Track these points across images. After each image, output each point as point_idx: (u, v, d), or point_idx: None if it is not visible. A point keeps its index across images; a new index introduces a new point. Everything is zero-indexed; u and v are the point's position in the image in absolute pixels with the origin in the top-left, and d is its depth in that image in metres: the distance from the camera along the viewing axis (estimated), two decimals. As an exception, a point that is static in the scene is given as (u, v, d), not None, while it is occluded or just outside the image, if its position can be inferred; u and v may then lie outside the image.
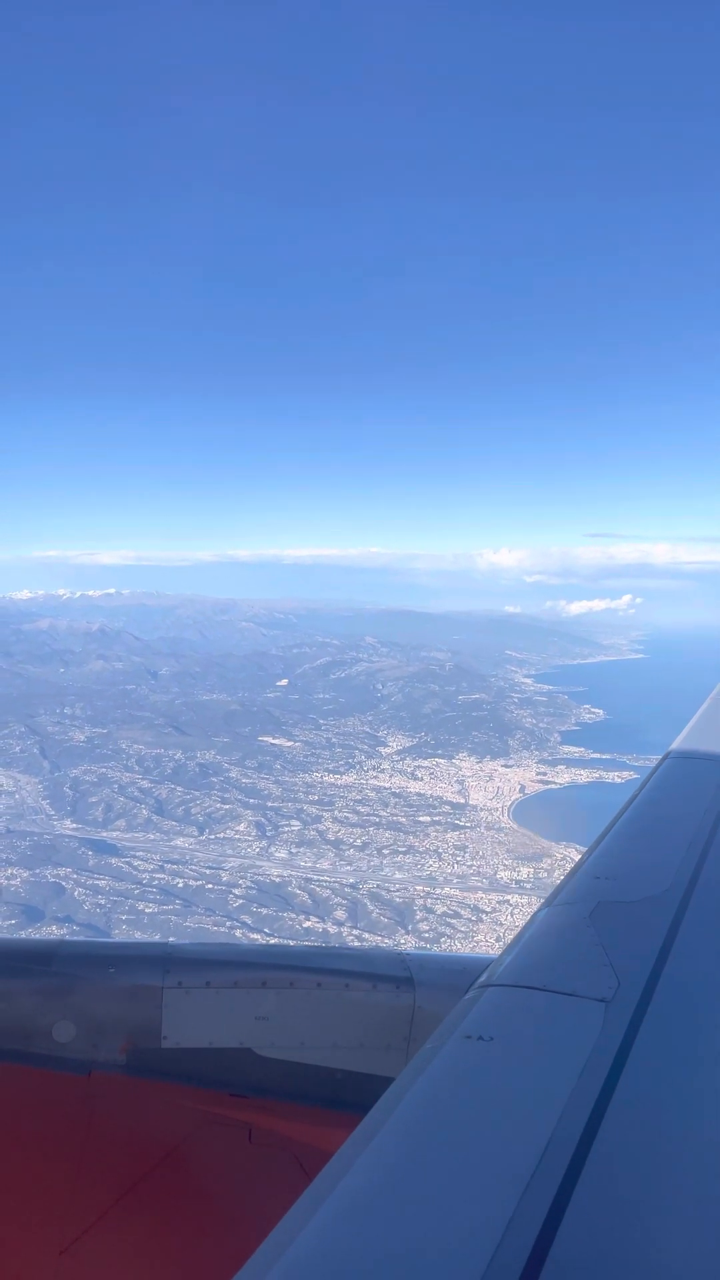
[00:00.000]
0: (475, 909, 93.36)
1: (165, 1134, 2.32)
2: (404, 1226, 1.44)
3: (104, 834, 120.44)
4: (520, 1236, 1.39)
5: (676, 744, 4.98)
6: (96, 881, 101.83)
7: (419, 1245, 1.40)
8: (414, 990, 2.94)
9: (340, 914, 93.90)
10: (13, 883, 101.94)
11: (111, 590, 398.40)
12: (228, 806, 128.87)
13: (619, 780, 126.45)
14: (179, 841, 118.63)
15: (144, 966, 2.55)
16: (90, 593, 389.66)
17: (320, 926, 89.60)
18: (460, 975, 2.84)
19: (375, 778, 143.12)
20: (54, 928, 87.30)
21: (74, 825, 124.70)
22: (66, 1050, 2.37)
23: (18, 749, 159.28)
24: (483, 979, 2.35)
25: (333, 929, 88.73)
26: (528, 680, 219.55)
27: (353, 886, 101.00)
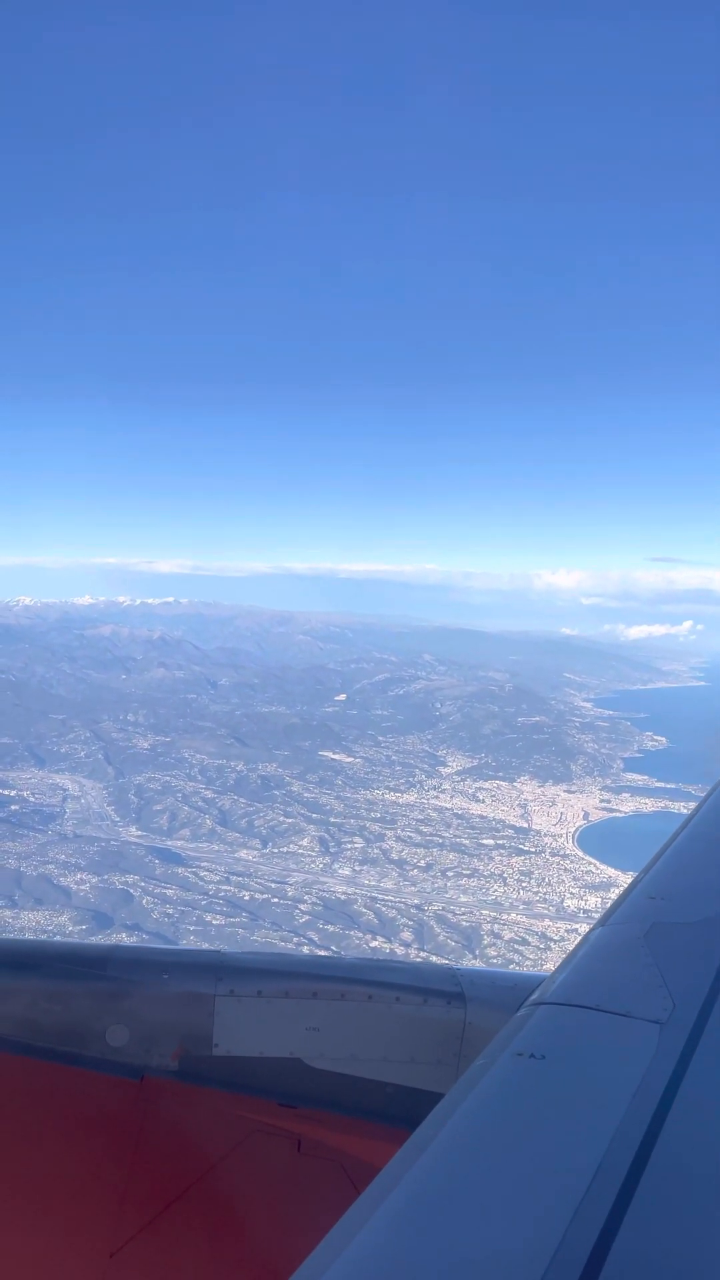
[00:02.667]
0: (543, 936, 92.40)
1: (215, 1141, 2.31)
2: (453, 1244, 1.43)
3: (169, 843, 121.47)
4: (571, 1259, 1.37)
5: None
6: (164, 890, 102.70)
7: (467, 1264, 1.38)
8: (465, 1006, 2.93)
9: (407, 935, 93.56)
10: (82, 888, 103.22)
11: (170, 599, 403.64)
12: (290, 820, 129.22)
13: (685, 811, 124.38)
14: (243, 854, 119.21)
15: (197, 973, 2.56)
16: (149, 600, 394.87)
17: (387, 947, 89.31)
18: (512, 992, 2.84)
19: (437, 798, 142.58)
20: (123, 935, 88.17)
21: (139, 832, 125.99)
22: (120, 1055, 2.38)
23: (83, 754, 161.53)
24: (535, 997, 2.32)
25: (400, 950, 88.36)
26: (587, 704, 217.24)
27: (418, 908, 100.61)
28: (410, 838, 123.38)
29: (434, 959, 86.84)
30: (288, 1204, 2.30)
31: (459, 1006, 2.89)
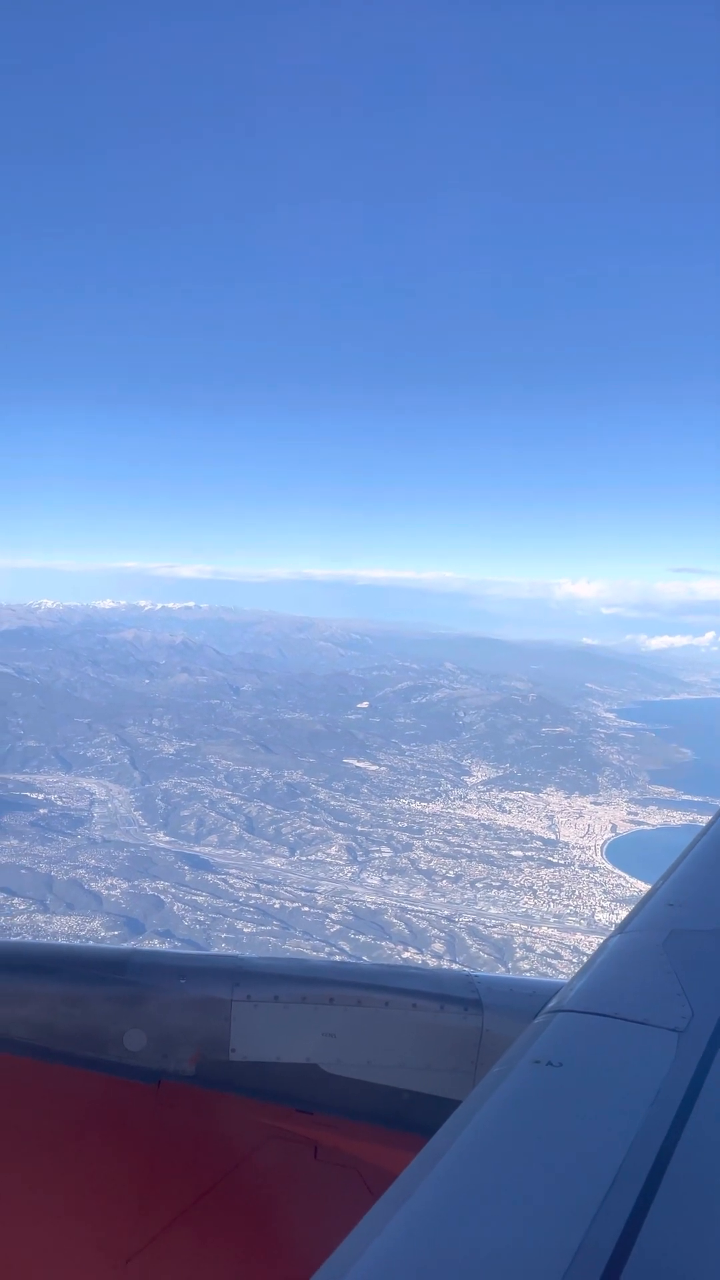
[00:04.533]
0: (575, 950, 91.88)
1: (232, 1147, 2.31)
2: (469, 1251, 1.43)
3: (197, 849, 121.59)
4: (588, 1267, 1.36)
5: None
6: (195, 897, 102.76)
7: (484, 1271, 1.38)
8: (482, 1013, 2.89)
9: (439, 946, 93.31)
10: (113, 893, 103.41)
11: (191, 603, 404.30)
12: (318, 828, 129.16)
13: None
14: (271, 861, 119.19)
15: (214, 978, 2.56)
16: (170, 605, 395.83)
17: (419, 958, 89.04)
18: (529, 999, 2.80)
19: (463, 808, 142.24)
20: (155, 941, 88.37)
21: (167, 838, 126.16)
22: (137, 1059, 2.37)
23: (109, 758, 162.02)
24: (553, 1004, 2.31)
25: (432, 961, 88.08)
26: (610, 715, 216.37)
27: (449, 919, 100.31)
28: (438, 848, 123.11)
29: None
30: (304, 1210, 2.28)
31: (476, 1013, 2.86)
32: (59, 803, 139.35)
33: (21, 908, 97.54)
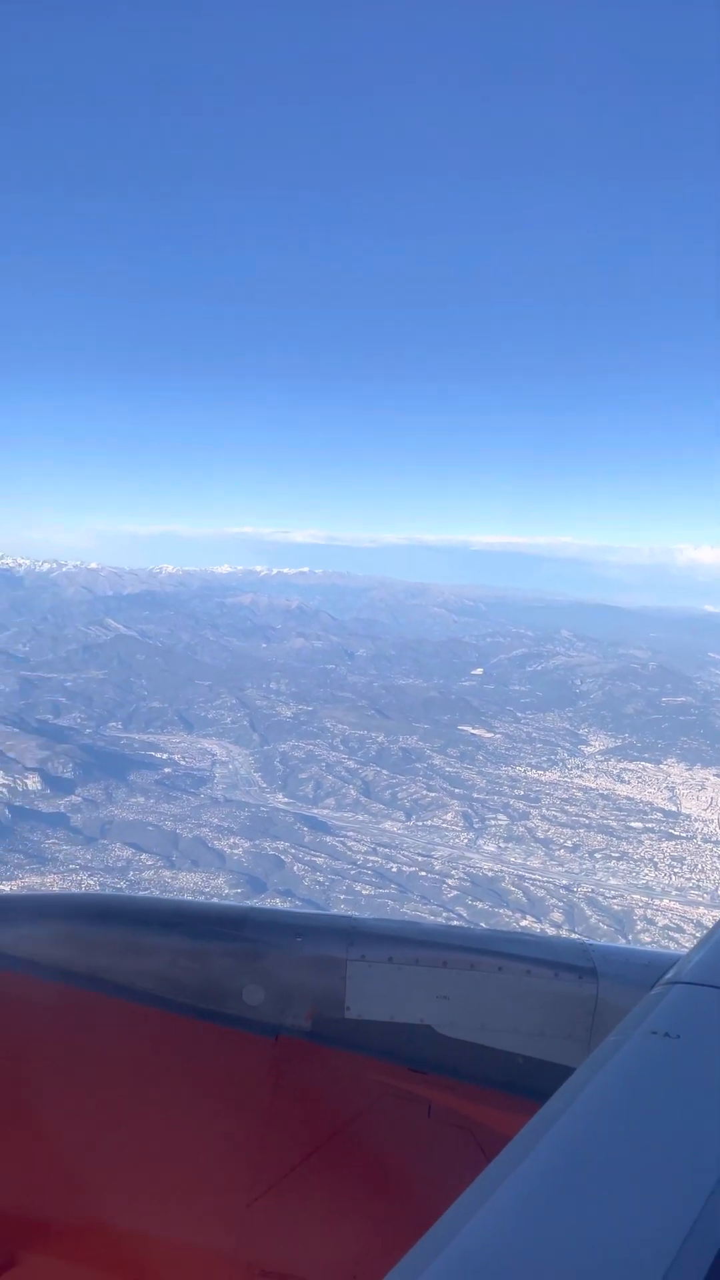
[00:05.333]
0: (699, 924, 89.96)
1: (348, 1102, 2.33)
2: (582, 1220, 1.43)
3: (315, 811, 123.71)
4: (703, 1242, 1.34)
5: None
6: (314, 858, 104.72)
7: (594, 1241, 1.38)
8: (597, 981, 2.81)
9: (557, 915, 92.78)
10: (235, 851, 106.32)
11: (305, 569, 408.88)
12: (433, 794, 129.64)
13: None
14: (387, 825, 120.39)
15: (329, 938, 2.57)
16: (285, 570, 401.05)
17: (538, 926, 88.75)
18: (645, 970, 2.71)
19: (580, 777, 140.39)
20: (277, 900, 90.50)
21: (286, 800, 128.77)
22: (255, 1014, 2.41)
23: (229, 720, 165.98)
24: (670, 975, 2.31)
25: (551, 930, 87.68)
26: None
27: (567, 889, 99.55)
28: (555, 817, 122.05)
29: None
30: (417, 1167, 2.28)
31: (591, 982, 2.80)
32: (182, 762, 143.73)
33: (149, 864, 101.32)
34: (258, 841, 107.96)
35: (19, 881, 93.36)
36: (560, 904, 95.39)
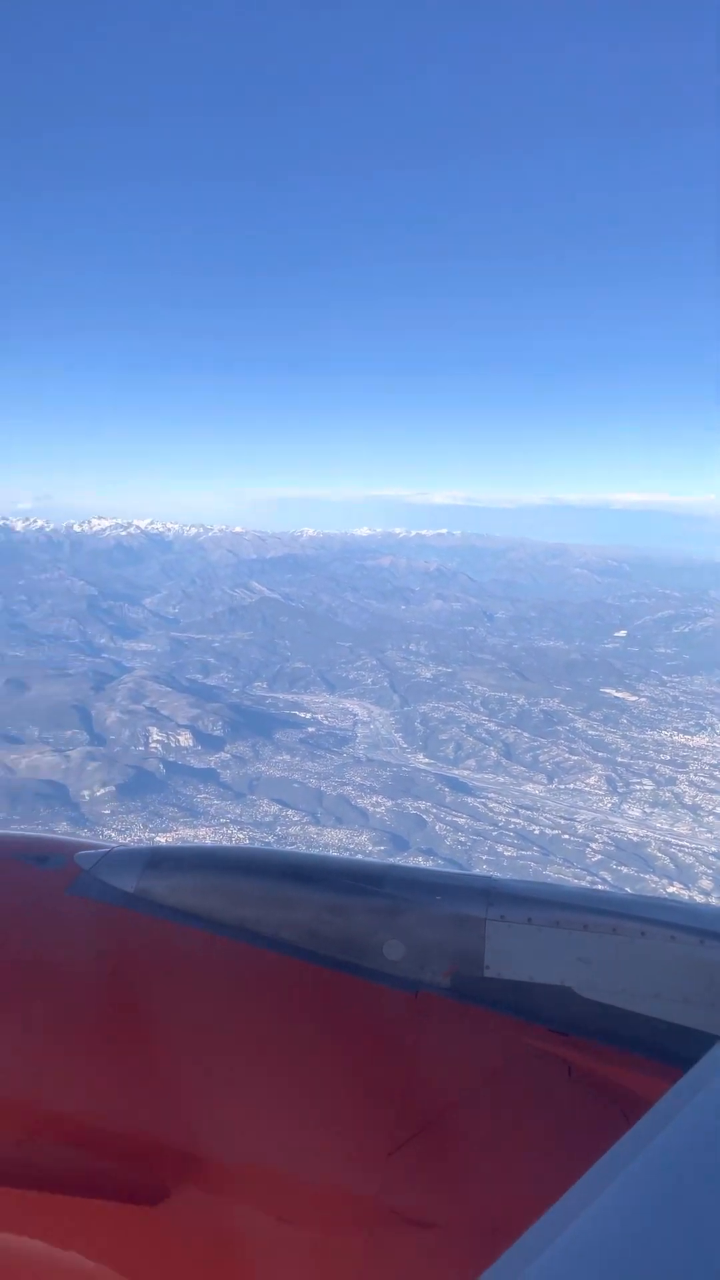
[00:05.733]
0: None
1: (488, 1058, 2.32)
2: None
3: (456, 772, 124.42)
4: None
5: None
6: (455, 818, 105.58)
7: None
8: None
9: (706, 883, 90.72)
10: (378, 810, 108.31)
11: (444, 530, 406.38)
12: (576, 758, 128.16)
13: None
14: (529, 787, 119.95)
15: (468, 897, 2.54)
16: (424, 532, 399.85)
17: (685, 894, 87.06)
18: None
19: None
20: (419, 858, 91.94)
21: (427, 760, 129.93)
22: (395, 968, 2.42)
23: (369, 681, 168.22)
24: None
25: (699, 898, 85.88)
26: None
27: (717, 855, 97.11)
28: (704, 783, 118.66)
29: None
30: (557, 1127, 2.25)
31: None
32: (325, 722, 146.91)
33: (295, 819, 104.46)
34: (399, 801, 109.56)
35: (173, 833, 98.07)
36: (710, 871, 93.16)
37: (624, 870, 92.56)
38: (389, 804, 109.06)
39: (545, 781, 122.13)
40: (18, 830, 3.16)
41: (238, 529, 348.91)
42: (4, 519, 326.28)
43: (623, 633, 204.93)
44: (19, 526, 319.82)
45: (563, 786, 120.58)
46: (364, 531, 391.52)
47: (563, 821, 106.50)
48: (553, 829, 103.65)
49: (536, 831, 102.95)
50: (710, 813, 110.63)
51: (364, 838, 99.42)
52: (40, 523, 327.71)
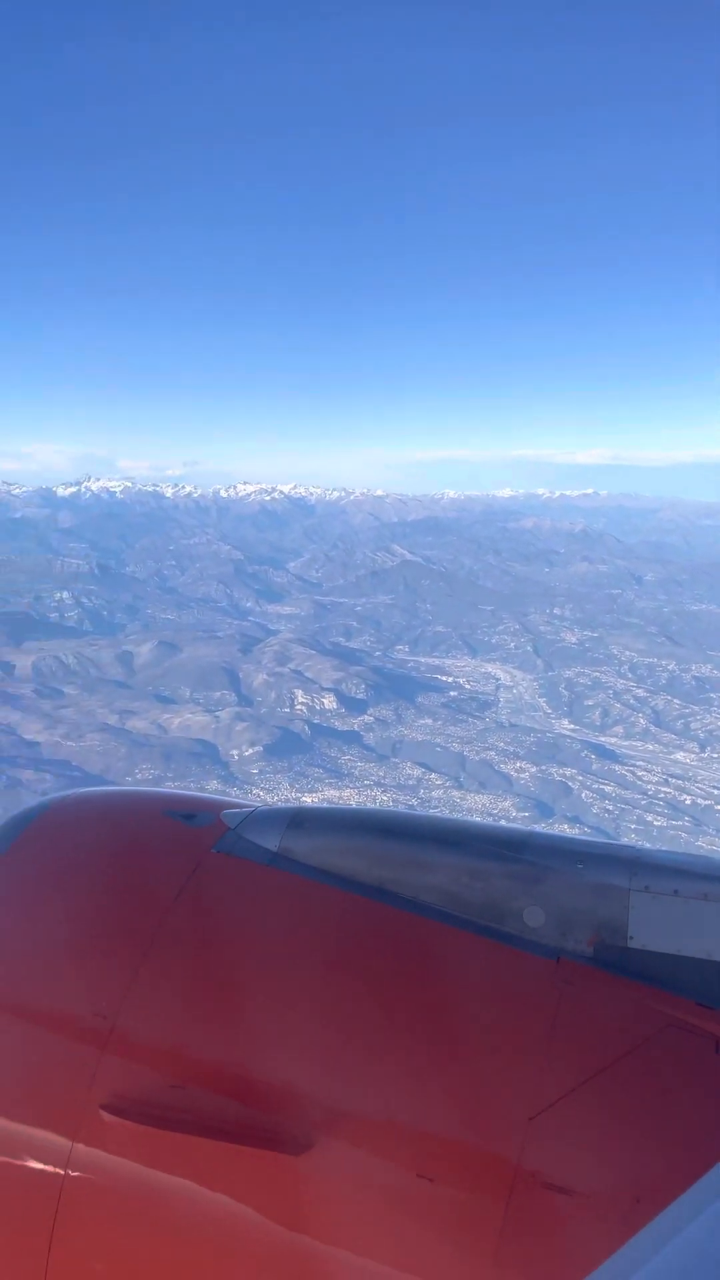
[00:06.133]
0: None
1: (631, 1029, 2.28)
2: None
3: (602, 738, 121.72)
4: None
5: None
6: (602, 786, 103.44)
7: None
8: None
9: None
10: (521, 776, 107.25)
11: (589, 490, 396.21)
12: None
13: None
14: (680, 756, 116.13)
15: (611, 866, 2.45)
16: (569, 493, 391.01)
17: None
18: None
19: None
20: (565, 826, 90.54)
21: (571, 726, 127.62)
22: (536, 935, 2.41)
23: (512, 645, 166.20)
24: None
25: None
26: None
27: None
28: None
29: None
30: (701, 1104, 2.19)
31: None
32: (467, 686, 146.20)
33: (438, 783, 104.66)
34: (544, 767, 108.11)
35: (318, 794, 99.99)
36: None
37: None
38: (533, 770, 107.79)
39: (697, 750, 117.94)
40: (169, 788, 3.09)
41: (379, 492, 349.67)
42: (155, 486, 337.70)
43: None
44: (169, 493, 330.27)
45: (716, 755, 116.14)
46: (506, 493, 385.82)
47: (716, 792, 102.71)
48: (705, 799, 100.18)
49: (688, 801, 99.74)
50: None
51: (507, 803, 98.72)
52: (189, 489, 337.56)
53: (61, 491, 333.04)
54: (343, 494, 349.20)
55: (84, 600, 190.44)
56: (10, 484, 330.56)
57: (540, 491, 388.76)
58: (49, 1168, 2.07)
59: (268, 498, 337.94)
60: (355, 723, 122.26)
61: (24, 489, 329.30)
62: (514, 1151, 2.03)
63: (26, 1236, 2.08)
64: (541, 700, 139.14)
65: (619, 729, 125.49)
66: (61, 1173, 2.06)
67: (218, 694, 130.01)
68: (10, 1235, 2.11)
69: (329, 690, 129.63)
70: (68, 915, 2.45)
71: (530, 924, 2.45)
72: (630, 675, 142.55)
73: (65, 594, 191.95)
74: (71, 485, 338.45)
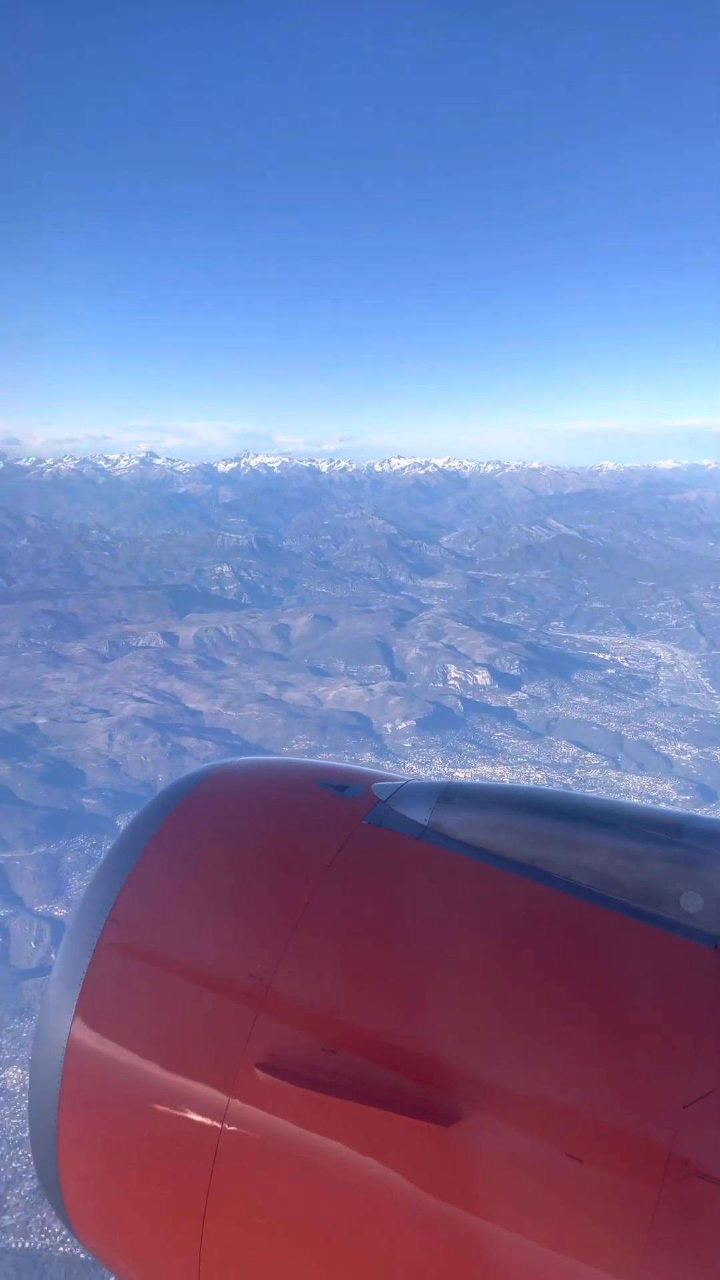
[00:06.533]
0: None
1: None
2: None
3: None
4: None
5: None
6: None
7: None
8: None
9: None
10: (682, 758, 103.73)
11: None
12: None
13: None
14: None
15: None
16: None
17: None
18: None
19: None
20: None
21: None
22: (695, 921, 2.31)
23: (674, 622, 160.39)
24: None
25: None
26: None
27: None
28: None
29: None
30: None
31: None
32: (625, 664, 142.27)
33: (594, 763, 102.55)
34: (707, 749, 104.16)
35: (471, 770, 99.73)
36: None
37: None
38: (695, 752, 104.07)
39: None
40: (324, 759, 3.08)
41: (534, 464, 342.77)
42: (311, 461, 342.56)
43: None
44: (324, 467, 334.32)
45: None
46: (668, 464, 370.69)
47: None
48: None
49: None
50: None
51: (667, 785, 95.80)
52: (343, 463, 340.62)
53: (222, 468, 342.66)
54: (497, 467, 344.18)
55: (243, 574, 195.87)
56: (174, 460, 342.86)
57: (705, 463, 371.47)
58: (208, 1120, 2.15)
59: (421, 471, 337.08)
60: (509, 699, 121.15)
61: (187, 465, 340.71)
62: (666, 1139, 1.99)
63: (188, 1178, 2.15)
64: (705, 680, 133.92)
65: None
66: (219, 1126, 2.13)
67: (371, 667, 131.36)
68: (174, 1176, 2.18)
69: (482, 666, 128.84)
70: (226, 879, 2.50)
71: (688, 909, 2.36)
72: None
73: (225, 567, 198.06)
74: (231, 461, 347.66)
